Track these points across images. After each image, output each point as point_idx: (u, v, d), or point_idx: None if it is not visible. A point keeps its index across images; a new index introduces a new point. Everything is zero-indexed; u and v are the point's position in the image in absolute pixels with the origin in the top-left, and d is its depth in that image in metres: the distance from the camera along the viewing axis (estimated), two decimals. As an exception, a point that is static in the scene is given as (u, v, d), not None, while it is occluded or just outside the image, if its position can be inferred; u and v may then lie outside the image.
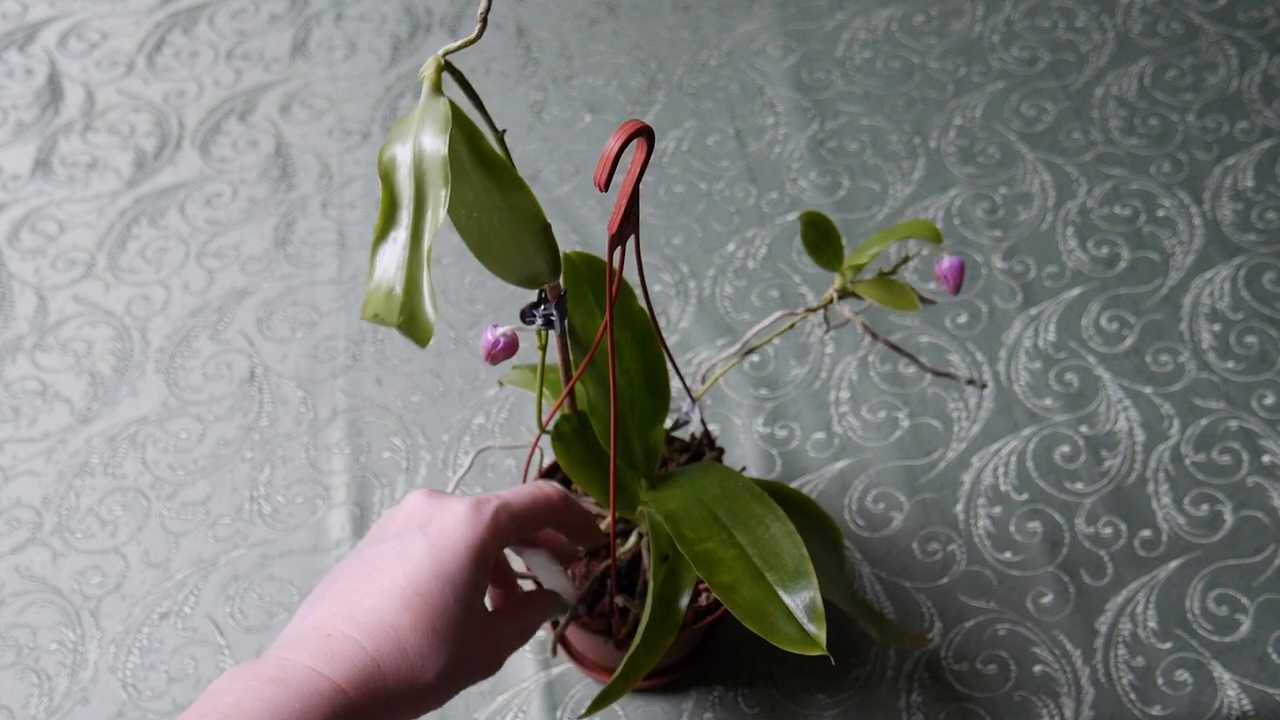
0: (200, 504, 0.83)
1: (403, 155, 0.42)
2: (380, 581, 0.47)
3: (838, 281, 0.61)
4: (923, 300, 0.59)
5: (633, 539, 0.67)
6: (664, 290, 0.94)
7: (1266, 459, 0.84)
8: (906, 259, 0.61)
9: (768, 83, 1.07)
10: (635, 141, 0.43)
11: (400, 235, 0.42)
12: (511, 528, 0.51)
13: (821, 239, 0.60)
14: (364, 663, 0.44)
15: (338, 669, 0.44)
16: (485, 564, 0.49)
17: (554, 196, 1.00)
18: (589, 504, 0.69)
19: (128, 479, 0.85)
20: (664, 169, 1.01)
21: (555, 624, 0.72)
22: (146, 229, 0.98)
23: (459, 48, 0.40)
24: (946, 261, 0.59)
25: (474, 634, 0.49)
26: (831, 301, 0.62)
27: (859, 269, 0.61)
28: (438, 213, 0.41)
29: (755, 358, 0.90)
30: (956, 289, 0.59)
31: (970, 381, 0.68)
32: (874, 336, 0.63)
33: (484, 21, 0.39)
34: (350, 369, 0.90)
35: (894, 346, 0.64)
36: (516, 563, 0.73)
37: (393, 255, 0.42)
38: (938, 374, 0.66)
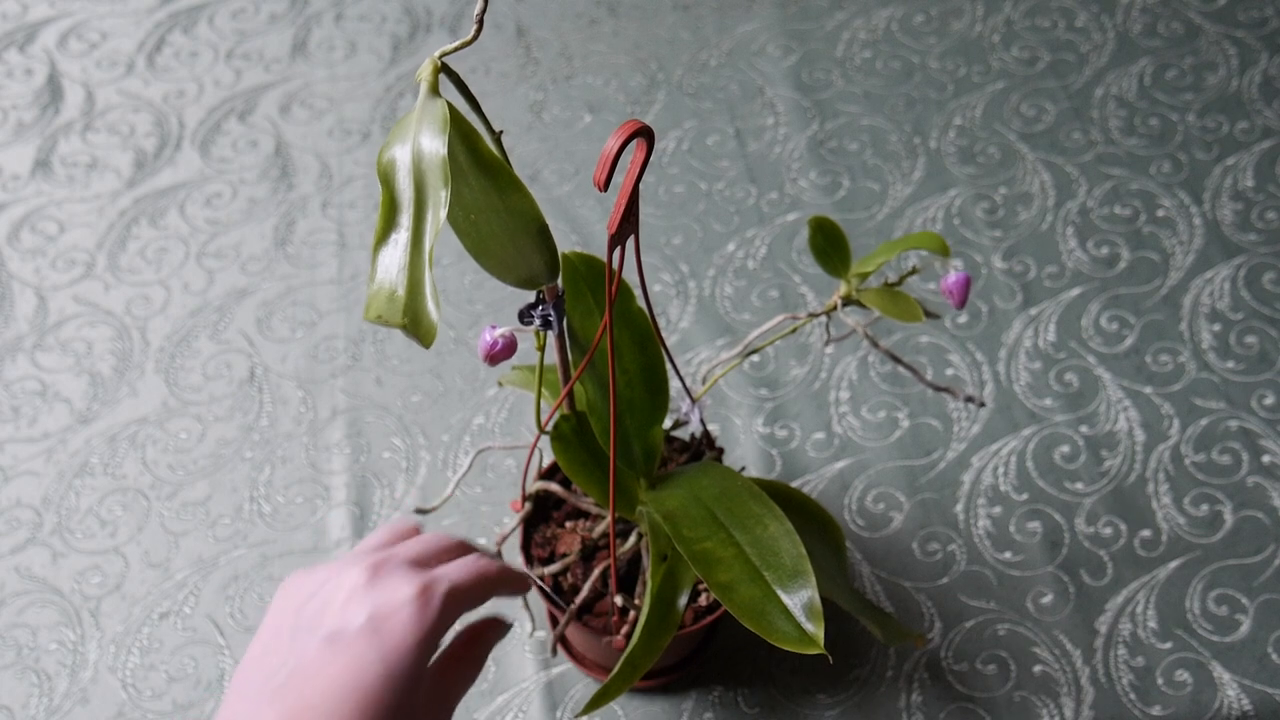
0: (200, 504, 0.83)
1: (402, 157, 0.42)
2: (329, 686, 0.47)
3: (843, 288, 0.61)
4: (927, 314, 0.59)
5: (632, 539, 0.67)
6: (664, 290, 0.94)
7: (1266, 459, 0.84)
8: (914, 271, 0.61)
9: (768, 83, 1.07)
10: (635, 141, 0.43)
11: (401, 237, 0.42)
12: (458, 611, 0.51)
13: (830, 245, 0.60)
14: None
15: None
16: (435, 647, 0.50)
17: (554, 197, 1.00)
18: (589, 504, 0.69)
19: (128, 479, 0.85)
20: (664, 169, 1.01)
21: (554, 623, 0.72)
22: (146, 229, 0.98)
23: (455, 49, 0.40)
24: (953, 276, 0.59)
25: (421, 704, 0.49)
26: (835, 308, 0.61)
27: (864, 277, 0.61)
28: (438, 214, 0.41)
29: (755, 358, 0.90)
30: (961, 304, 0.59)
31: (969, 399, 0.68)
32: (876, 346, 0.63)
33: (480, 23, 0.39)
34: (350, 369, 0.90)
35: (896, 359, 0.64)
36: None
37: (394, 257, 0.42)
38: (938, 389, 0.66)
